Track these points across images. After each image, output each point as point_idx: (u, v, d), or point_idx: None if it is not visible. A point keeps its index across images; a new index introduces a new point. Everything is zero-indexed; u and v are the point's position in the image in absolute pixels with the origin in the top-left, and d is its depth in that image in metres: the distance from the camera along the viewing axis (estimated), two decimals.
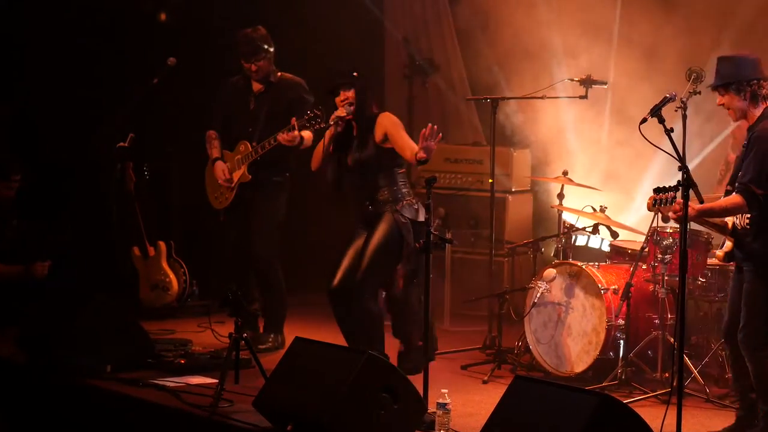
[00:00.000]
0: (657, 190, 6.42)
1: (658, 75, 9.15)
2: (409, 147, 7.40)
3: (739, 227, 6.52)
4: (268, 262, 8.61)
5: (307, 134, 8.20)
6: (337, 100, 7.55)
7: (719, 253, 6.72)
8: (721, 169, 8.76)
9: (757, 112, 6.51)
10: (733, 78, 6.49)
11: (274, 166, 8.47)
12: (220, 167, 8.59)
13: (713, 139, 9.19)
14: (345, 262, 7.58)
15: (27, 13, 10.12)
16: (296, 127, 8.00)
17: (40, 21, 10.12)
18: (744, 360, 6.58)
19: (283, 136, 8.11)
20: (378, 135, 7.51)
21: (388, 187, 7.55)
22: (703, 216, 6.45)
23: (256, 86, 8.59)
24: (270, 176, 8.51)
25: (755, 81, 6.48)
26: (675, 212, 6.34)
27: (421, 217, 7.50)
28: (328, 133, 7.57)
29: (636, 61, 9.39)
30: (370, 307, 7.50)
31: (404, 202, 7.53)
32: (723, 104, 6.57)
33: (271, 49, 8.50)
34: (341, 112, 7.51)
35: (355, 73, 7.56)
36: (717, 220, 6.55)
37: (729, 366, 7.00)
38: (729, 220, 6.54)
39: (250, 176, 8.47)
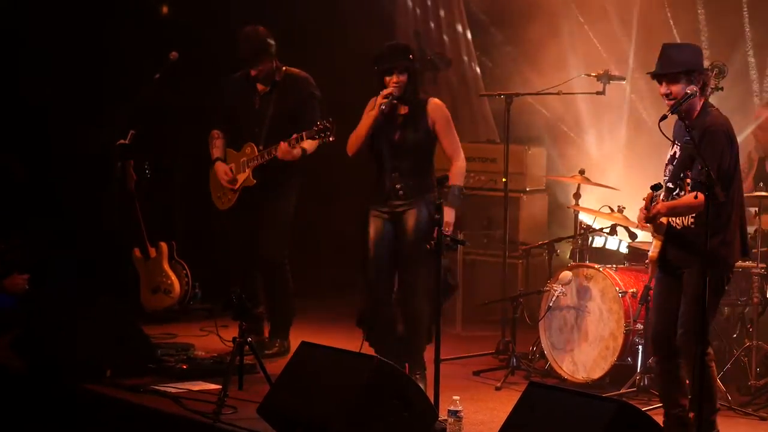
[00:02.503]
0: (654, 188, 6.38)
1: None
2: (452, 149, 7.49)
3: (679, 227, 6.44)
4: (278, 264, 8.60)
5: (310, 145, 8.22)
6: (389, 80, 7.47)
7: (653, 255, 6.56)
8: (743, 167, 8.71)
9: (699, 105, 6.47)
10: (691, 66, 6.40)
11: (283, 166, 8.43)
12: (222, 168, 8.57)
13: (738, 134, 9.14)
14: (381, 258, 7.53)
15: (24, 7, 10.13)
16: (303, 138, 8.04)
17: (37, 14, 10.13)
18: (675, 370, 6.58)
19: (282, 149, 8.15)
20: (429, 121, 7.51)
21: (424, 175, 7.53)
22: (670, 215, 6.39)
23: (261, 85, 8.57)
24: (279, 177, 8.48)
25: (707, 71, 6.45)
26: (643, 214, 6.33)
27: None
28: (373, 113, 7.46)
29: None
30: (423, 306, 7.45)
31: (434, 193, 7.48)
32: (669, 93, 6.44)
33: (272, 43, 8.47)
34: (394, 90, 7.42)
35: (411, 56, 7.55)
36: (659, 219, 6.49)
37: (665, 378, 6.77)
38: (665, 219, 6.48)
39: (255, 181, 8.45)
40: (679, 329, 6.47)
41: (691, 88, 6.40)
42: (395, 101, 7.46)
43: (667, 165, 6.58)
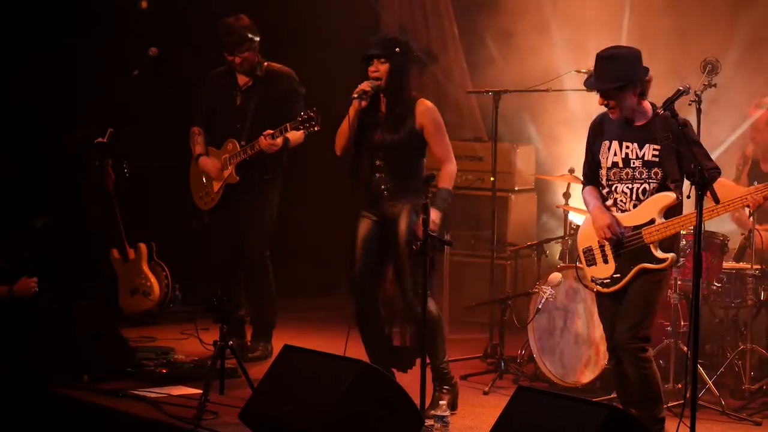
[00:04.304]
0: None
1: (671, 66, 9.15)
2: (442, 153, 7.33)
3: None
4: (260, 265, 8.59)
5: (294, 135, 8.22)
6: (369, 69, 7.32)
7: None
8: (738, 164, 8.73)
9: (646, 105, 6.49)
10: (625, 80, 6.38)
11: (264, 164, 8.44)
12: (208, 162, 8.56)
13: (733, 132, 9.17)
14: (367, 259, 7.44)
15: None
16: (287, 130, 8.04)
17: (13, 9, 10.10)
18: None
19: (264, 141, 8.15)
20: (417, 124, 7.30)
21: (410, 177, 7.35)
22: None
23: (242, 80, 8.56)
24: (260, 174, 8.49)
25: (646, 81, 6.45)
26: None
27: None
28: (352, 109, 7.31)
29: (647, 52, 9.35)
30: (430, 308, 7.19)
31: (423, 199, 7.36)
32: (607, 104, 6.44)
33: (256, 39, 8.47)
34: (365, 86, 7.27)
35: (397, 49, 7.32)
36: None
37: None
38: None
39: (239, 177, 8.45)
40: (625, 323, 6.45)
41: (684, 85, 6.39)
42: (375, 92, 7.29)
43: (617, 169, 6.50)
